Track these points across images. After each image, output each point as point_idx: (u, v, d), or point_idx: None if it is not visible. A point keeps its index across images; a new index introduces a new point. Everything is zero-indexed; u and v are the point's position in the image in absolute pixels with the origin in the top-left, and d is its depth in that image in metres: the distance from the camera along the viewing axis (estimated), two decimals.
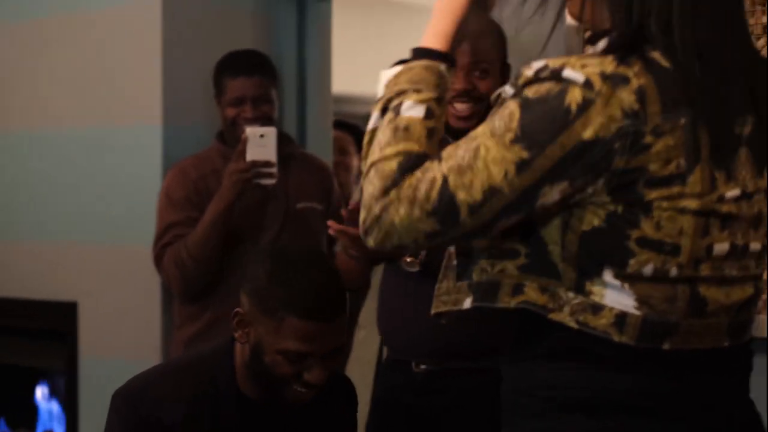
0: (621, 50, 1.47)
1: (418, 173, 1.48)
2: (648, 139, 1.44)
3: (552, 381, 1.52)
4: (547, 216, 1.50)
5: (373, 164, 1.51)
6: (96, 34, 3.65)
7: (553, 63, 1.47)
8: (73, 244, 3.65)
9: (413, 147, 1.50)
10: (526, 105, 1.46)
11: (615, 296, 1.48)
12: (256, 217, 3.25)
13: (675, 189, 1.46)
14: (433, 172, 1.47)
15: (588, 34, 1.65)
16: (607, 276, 1.48)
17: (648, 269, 1.47)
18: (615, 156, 1.44)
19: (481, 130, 1.49)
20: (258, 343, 2.10)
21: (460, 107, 2.72)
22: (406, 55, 1.61)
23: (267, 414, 2.19)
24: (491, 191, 1.44)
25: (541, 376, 1.53)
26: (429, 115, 1.53)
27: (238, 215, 3.19)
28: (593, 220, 1.47)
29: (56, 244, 3.68)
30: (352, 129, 4.91)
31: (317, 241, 3.33)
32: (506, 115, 1.47)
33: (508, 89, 1.51)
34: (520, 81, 1.49)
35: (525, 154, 1.44)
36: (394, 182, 1.48)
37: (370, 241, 1.51)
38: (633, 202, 1.46)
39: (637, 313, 1.48)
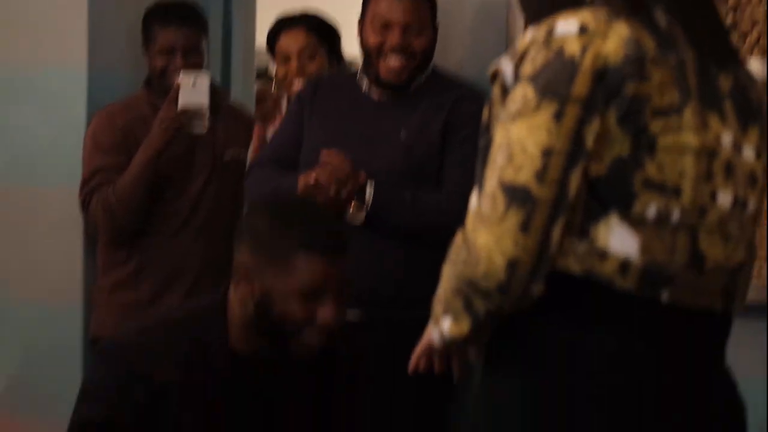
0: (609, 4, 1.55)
1: (476, 201, 1.53)
2: (649, 67, 1.52)
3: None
4: None
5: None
6: None
7: (548, 23, 1.54)
8: None
9: None
10: (533, 78, 1.52)
11: (619, 242, 1.53)
12: (183, 167, 3.26)
13: (674, 120, 1.53)
14: (487, 188, 1.51)
15: None
16: (613, 219, 1.53)
17: (651, 211, 1.53)
18: (626, 81, 1.51)
19: (500, 132, 1.53)
20: (266, 293, 2.06)
21: (394, 62, 2.81)
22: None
23: (264, 374, 2.14)
24: (546, 152, 1.49)
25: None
26: None
27: (166, 164, 3.19)
28: (600, 167, 1.53)
29: None
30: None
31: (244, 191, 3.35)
32: (518, 96, 1.52)
33: (504, 63, 1.56)
34: (519, 50, 1.55)
35: (555, 105, 1.49)
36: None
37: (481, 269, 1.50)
38: (639, 136, 1.52)
39: (638, 260, 1.53)
